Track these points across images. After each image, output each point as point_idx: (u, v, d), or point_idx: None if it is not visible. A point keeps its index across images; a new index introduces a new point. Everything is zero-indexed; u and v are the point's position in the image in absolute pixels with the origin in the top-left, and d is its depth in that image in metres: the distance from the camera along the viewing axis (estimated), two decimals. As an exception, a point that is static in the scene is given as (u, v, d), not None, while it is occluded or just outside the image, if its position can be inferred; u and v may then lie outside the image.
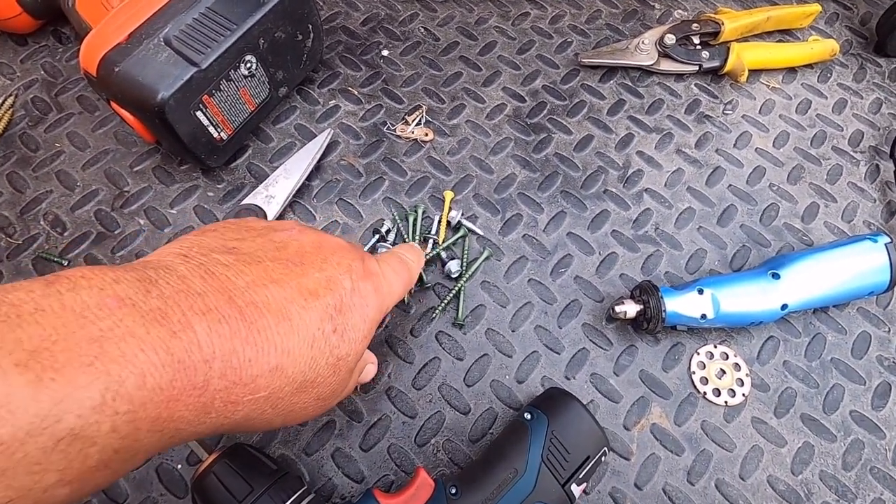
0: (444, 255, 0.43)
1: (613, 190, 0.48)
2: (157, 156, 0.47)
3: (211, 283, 0.21)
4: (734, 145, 0.51)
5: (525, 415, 0.35)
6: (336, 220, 0.45)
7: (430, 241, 0.44)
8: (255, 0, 0.41)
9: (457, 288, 0.42)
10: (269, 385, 0.22)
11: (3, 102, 0.48)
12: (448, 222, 0.45)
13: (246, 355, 0.20)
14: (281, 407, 0.23)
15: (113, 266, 0.20)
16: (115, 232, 0.44)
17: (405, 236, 0.44)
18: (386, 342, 0.41)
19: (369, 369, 0.33)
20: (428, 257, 0.43)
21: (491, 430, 0.39)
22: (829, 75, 0.55)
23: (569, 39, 0.55)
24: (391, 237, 0.44)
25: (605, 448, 0.34)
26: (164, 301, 0.19)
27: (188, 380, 0.19)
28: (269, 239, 0.25)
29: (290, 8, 0.43)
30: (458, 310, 0.42)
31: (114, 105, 0.40)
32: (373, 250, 0.44)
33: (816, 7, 0.55)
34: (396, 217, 0.45)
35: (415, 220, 0.44)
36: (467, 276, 0.42)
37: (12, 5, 0.47)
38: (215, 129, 0.42)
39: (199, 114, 0.40)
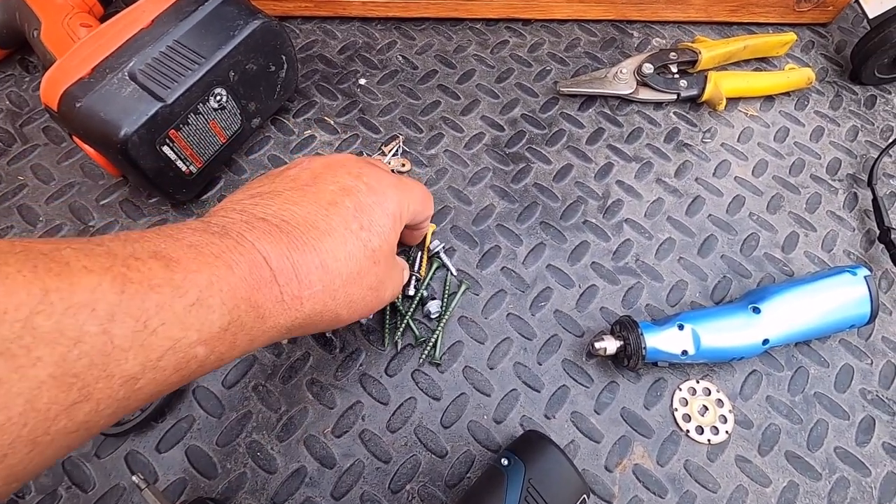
0: (424, 293, 0.42)
1: (593, 220, 0.47)
2: (124, 188, 0.46)
3: (248, 216, 0.26)
4: (713, 174, 0.51)
5: (502, 461, 0.34)
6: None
7: (412, 279, 0.43)
8: (225, 33, 0.40)
9: (438, 329, 0.41)
10: (321, 280, 0.26)
11: (-35, 134, 0.46)
12: (430, 254, 0.44)
13: (293, 257, 0.25)
14: (340, 299, 0.27)
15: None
16: (79, 268, 0.42)
17: None
18: (360, 382, 0.40)
19: (403, 275, 0.36)
20: (413, 298, 0.42)
21: (468, 475, 0.37)
22: (806, 103, 0.56)
23: (548, 67, 0.55)
24: None
25: (585, 496, 0.33)
26: (222, 228, 0.24)
27: (259, 273, 0.24)
28: (285, 176, 0.29)
29: (262, 40, 0.42)
30: (435, 348, 0.41)
31: (76, 139, 0.39)
32: None
33: (792, 36, 0.56)
34: None
35: None
36: (447, 315, 0.41)
37: (-24, 35, 0.45)
38: (184, 163, 0.41)
39: (165, 148, 0.39)
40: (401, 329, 0.41)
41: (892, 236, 0.46)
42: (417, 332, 0.41)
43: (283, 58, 0.45)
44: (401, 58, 0.55)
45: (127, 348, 0.18)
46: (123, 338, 0.18)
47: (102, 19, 0.50)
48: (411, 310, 0.41)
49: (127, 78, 0.37)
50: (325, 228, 0.27)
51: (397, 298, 0.41)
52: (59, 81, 0.37)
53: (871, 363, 0.43)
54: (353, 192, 0.29)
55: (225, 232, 0.24)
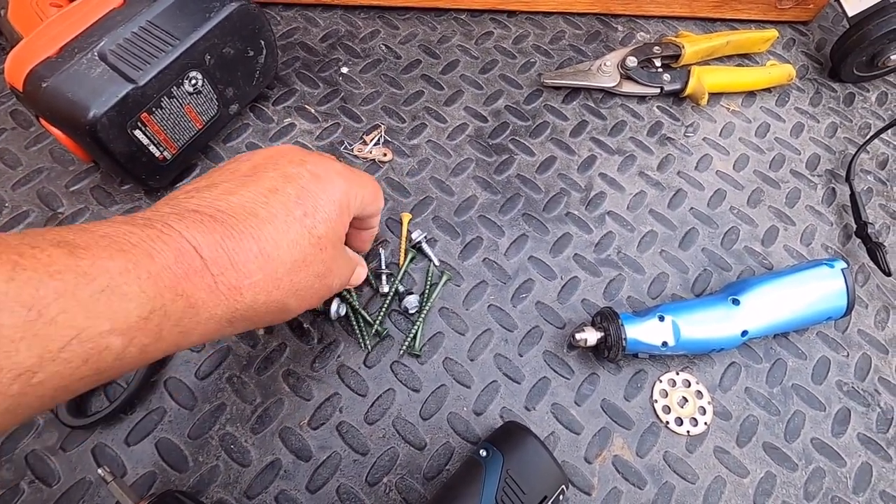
0: (401, 288, 0.41)
1: (576, 213, 0.47)
2: (96, 175, 0.44)
3: (178, 208, 0.25)
4: (695, 168, 0.51)
5: (480, 451, 0.33)
6: (288, 244, 0.43)
7: (383, 276, 0.42)
8: (200, 14, 0.39)
9: (419, 321, 0.40)
10: (261, 268, 0.25)
11: (-73, 116, 0.44)
12: (410, 245, 0.43)
13: (227, 246, 0.24)
14: (285, 288, 0.26)
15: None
16: (47, 256, 0.41)
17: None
18: (337, 373, 0.39)
19: (359, 272, 0.36)
20: (387, 295, 0.41)
21: (447, 467, 0.37)
22: (786, 99, 0.56)
23: (532, 60, 0.55)
24: None
25: (564, 486, 0.33)
26: (146, 219, 0.23)
27: (188, 262, 0.22)
28: (224, 170, 0.28)
29: (240, 23, 0.41)
30: (415, 339, 0.40)
31: (43, 122, 0.38)
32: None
33: (774, 32, 0.56)
34: None
35: None
36: (427, 306, 0.41)
37: (-61, 13, 0.43)
38: (157, 149, 0.40)
39: (137, 132, 0.38)
40: (374, 326, 0.40)
41: (869, 231, 0.46)
42: (380, 329, 0.40)
43: (262, 43, 0.44)
44: (384, 47, 0.54)
45: (17, 339, 0.17)
46: (12, 327, 0.17)
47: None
48: (385, 305, 0.40)
49: (97, 58, 0.36)
50: (265, 216, 0.26)
51: (352, 294, 0.41)
52: (25, 61, 0.35)
53: (848, 355, 0.43)
54: (295, 178, 0.28)
55: (149, 223, 0.23)
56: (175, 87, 0.38)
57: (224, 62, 0.41)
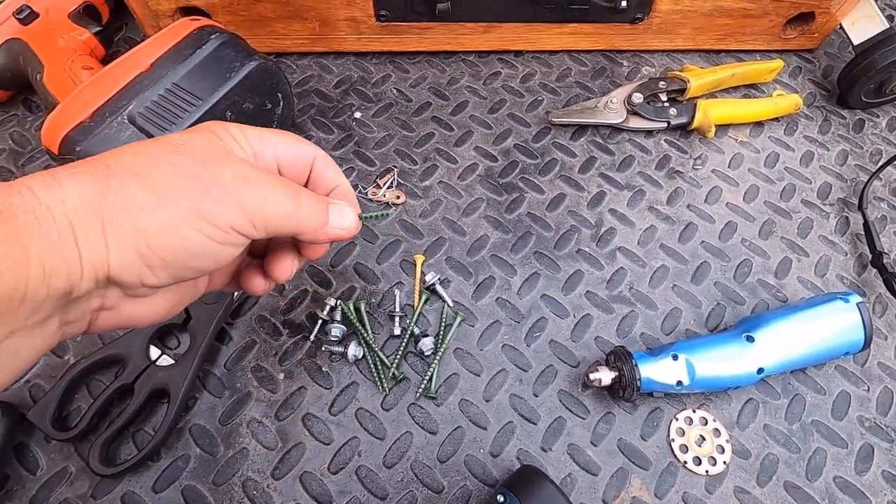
0: (417, 330, 0.42)
1: (587, 249, 0.48)
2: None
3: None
4: (705, 200, 0.51)
5: (498, 497, 0.34)
6: (305, 289, 0.44)
7: (397, 318, 0.43)
8: (221, 75, 0.41)
9: (434, 363, 0.41)
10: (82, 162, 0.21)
11: (-32, 174, 0.47)
12: (424, 287, 0.44)
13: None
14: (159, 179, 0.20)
15: None
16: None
17: (358, 329, 0.42)
18: (356, 416, 0.40)
19: (344, 210, 0.26)
20: (403, 337, 0.42)
21: (465, 510, 0.37)
22: (795, 128, 0.56)
23: (539, 98, 0.56)
24: (337, 315, 0.43)
25: (582, 532, 0.33)
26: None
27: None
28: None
29: (258, 80, 0.43)
30: (431, 381, 0.41)
31: (77, 181, 0.40)
32: (322, 334, 0.42)
33: (779, 63, 0.57)
34: (342, 305, 0.43)
35: (358, 316, 0.42)
36: (443, 348, 0.41)
37: (-19, 78, 0.47)
38: (181, 201, 0.42)
39: (163, 188, 0.40)
40: (391, 369, 0.41)
41: (884, 260, 0.46)
42: (397, 373, 0.41)
43: (279, 95, 0.46)
44: (395, 91, 0.56)
45: None
46: None
47: (104, 60, 0.51)
48: (402, 348, 0.41)
49: (126, 121, 0.38)
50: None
51: (369, 334, 0.41)
52: (61, 125, 0.38)
53: (868, 389, 0.43)
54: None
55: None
56: (198, 144, 0.40)
57: (244, 116, 0.43)
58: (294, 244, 0.28)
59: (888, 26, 0.54)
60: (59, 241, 0.18)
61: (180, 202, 0.20)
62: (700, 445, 0.40)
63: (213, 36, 0.42)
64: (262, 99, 0.45)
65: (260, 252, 0.29)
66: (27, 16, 0.47)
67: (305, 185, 0.28)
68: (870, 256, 0.47)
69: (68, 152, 0.37)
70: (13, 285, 0.17)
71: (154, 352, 0.40)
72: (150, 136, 0.38)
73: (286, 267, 0.28)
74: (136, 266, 0.20)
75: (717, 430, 0.41)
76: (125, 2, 0.49)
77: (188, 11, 0.51)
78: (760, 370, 0.39)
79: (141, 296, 0.23)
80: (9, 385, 0.19)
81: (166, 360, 0.40)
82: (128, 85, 0.40)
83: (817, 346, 0.40)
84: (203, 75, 0.41)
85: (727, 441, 0.40)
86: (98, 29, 0.49)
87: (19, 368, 0.20)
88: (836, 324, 0.40)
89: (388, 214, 0.31)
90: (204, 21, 0.43)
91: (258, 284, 0.28)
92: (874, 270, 0.47)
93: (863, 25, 0.55)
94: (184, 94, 0.40)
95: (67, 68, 0.45)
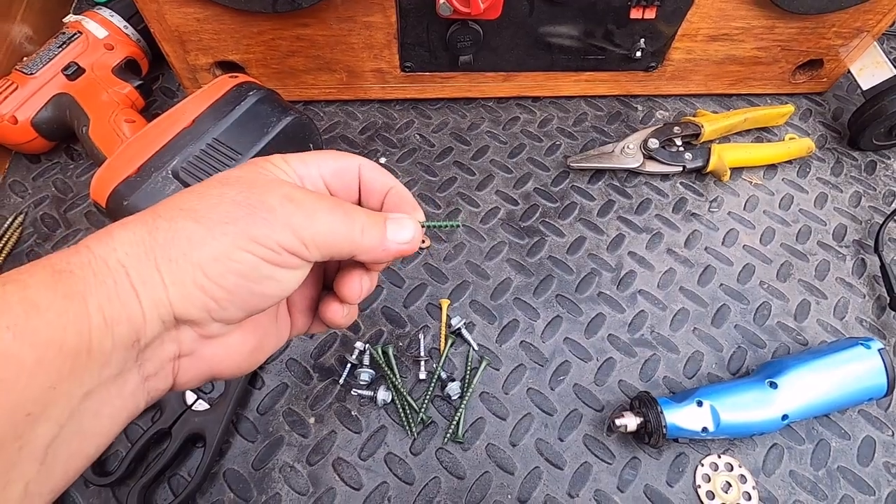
0: (443, 374, 0.43)
1: (608, 292, 0.49)
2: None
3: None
4: (722, 243, 0.52)
5: (529, 547, 0.34)
6: (334, 333, 0.46)
7: (422, 362, 0.44)
8: (259, 129, 0.43)
9: (461, 407, 0.42)
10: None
11: (14, 221, 0.49)
12: (450, 331, 0.45)
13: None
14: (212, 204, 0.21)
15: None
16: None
17: (387, 373, 0.43)
18: (385, 461, 0.40)
19: (403, 223, 0.25)
20: (429, 381, 0.43)
21: (494, 558, 0.38)
22: (808, 170, 0.58)
23: (557, 142, 0.58)
24: (366, 359, 0.44)
25: (613, 584, 0.33)
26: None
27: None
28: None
29: (293, 133, 0.45)
30: (458, 426, 0.41)
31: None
32: (351, 378, 0.44)
33: (790, 108, 0.59)
34: (371, 349, 0.44)
35: (387, 360, 0.44)
36: (469, 392, 0.42)
37: (28, 130, 0.49)
38: (218, 249, 0.44)
39: (202, 238, 0.41)
40: (420, 413, 0.42)
41: (903, 304, 0.47)
42: (424, 417, 0.42)
43: (311, 146, 0.48)
44: (418, 136, 0.58)
45: None
46: None
47: (144, 110, 0.54)
48: (429, 392, 0.42)
49: (170, 176, 0.40)
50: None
51: (398, 378, 0.42)
52: (108, 181, 0.40)
53: (893, 434, 0.43)
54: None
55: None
56: (236, 196, 0.42)
57: (278, 167, 0.45)
58: (361, 262, 0.26)
59: (896, 73, 0.55)
60: (116, 288, 0.19)
61: (228, 228, 0.20)
62: (726, 492, 0.40)
63: (252, 92, 0.44)
64: (296, 149, 0.46)
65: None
66: (74, 72, 0.50)
67: (359, 197, 0.27)
68: (888, 299, 0.48)
69: (116, 206, 0.39)
70: (77, 339, 0.17)
71: (190, 396, 0.41)
72: (192, 189, 0.40)
73: (355, 286, 0.26)
74: (199, 299, 0.20)
75: (742, 476, 0.41)
76: (165, 57, 0.52)
77: (224, 65, 0.53)
78: (785, 416, 0.40)
79: (216, 334, 0.22)
80: (96, 456, 0.19)
81: (202, 405, 0.41)
82: (171, 140, 0.42)
83: (840, 393, 0.40)
84: (242, 130, 0.43)
85: (753, 487, 0.40)
86: (139, 83, 0.52)
87: (103, 434, 0.19)
88: (859, 370, 0.41)
89: (457, 224, 0.29)
90: (242, 78, 0.46)
91: (336, 311, 0.27)
92: (893, 313, 0.48)
93: (871, 71, 0.57)
94: (224, 149, 0.42)
95: (111, 121, 0.47)
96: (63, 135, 0.51)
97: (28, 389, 0.16)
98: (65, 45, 0.51)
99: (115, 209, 0.39)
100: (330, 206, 0.23)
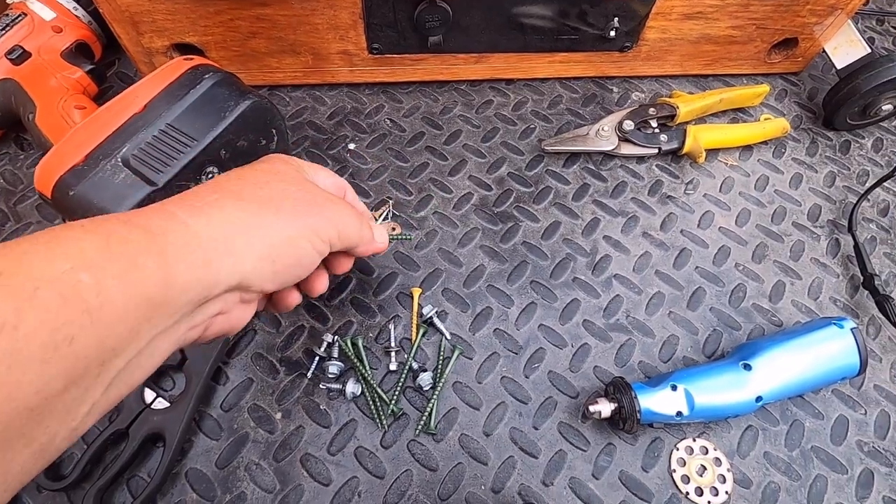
0: (415, 364, 0.42)
1: (582, 278, 0.48)
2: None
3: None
4: (698, 225, 0.52)
5: (501, 538, 0.33)
6: (302, 325, 0.44)
7: (393, 352, 0.43)
8: (216, 114, 0.41)
9: (433, 398, 0.41)
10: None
11: (-41, 215, 0.47)
12: (421, 320, 0.44)
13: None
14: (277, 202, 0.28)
15: None
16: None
17: (356, 365, 0.42)
18: (355, 455, 0.39)
19: (379, 229, 0.35)
20: (401, 372, 0.42)
21: (468, 550, 0.37)
22: (783, 150, 0.57)
23: (531, 125, 0.57)
24: (335, 351, 0.43)
25: (586, 573, 0.32)
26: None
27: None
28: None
29: (253, 118, 0.43)
30: (430, 417, 0.40)
31: (70, 224, 0.39)
32: (319, 371, 0.42)
33: (765, 88, 0.58)
34: (339, 341, 0.43)
35: (356, 352, 0.42)
36: (441, 382, 0.41)
37: (-28, 118, 0.46)
38: (176, 241, 0.42)
39: (158, 229, 0.39)
40: (390, 405, 0.40)
41: (876, 283, 0.46)
42: (396, 409, 0.40)
43: (274, 131, 0.46)
44: (388, 121, 0.56)
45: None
46: None
47: (97, 96, 0.51)
48: (400, 384, 0.41)
49: (120, 164, 0.38)
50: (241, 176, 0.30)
51: (368, 371, 0.41)
52: (54, 170, 0.38)
53: (865, 413, 0.43)
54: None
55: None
56: (193, 184, 0.40)
57: (238, 154, 0.43)
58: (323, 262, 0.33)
59: (870, 50, 0.55)
60: (204, 256, 0.23)
61: (298, 221, 0.28)
62: (701, 475, 0.40)
63: (207, 75, 0.42)
64: (257, 136, 0.45)
65: None
66: (19, 56, 0.47)
67: None
68: (861, 278, 0.48)
69: (62, 196, 0.37)
70: (162, 295, 0.21)
71: (149, 394, 0.39)
72: (144, 178, 0.38)
73: (323, 281, 0.34)
74: (266, 272, 0.26)
75: (717, 459, 0.41)
76: (118, 40, 0.49)
77: (183, 48, 0.51)
78: (759, 398, 0.39)
79: (250, 300, 0.28)
80: (137, 386, 0.22)
81: (161, 403, 0.39)
82: (121, 127, 0.39)
83: (814, 373, 0.40)
84: (197, 115, 0.41)
85: (728, 470, 0.40)
86: (91, 67, 0.49)
87: (149, 369, 0.22)
88: (832, 350, 0.40)
89: (410, 237, 0.39)
90: (198, 60, 0.43)
91: (294, 298, 0.33)
92: (866, 292, 0.48)
93: (845, 50, 0.57)
94: (178, 135, 0.40)
95: (60, 108, 0.45)
96: (9, 123, 0.48)
97: (118, 329, 0.19)
98: (8, 28, 0.48)
99: (61, 200, 0.37)
100: (349, 208, 0.32)
